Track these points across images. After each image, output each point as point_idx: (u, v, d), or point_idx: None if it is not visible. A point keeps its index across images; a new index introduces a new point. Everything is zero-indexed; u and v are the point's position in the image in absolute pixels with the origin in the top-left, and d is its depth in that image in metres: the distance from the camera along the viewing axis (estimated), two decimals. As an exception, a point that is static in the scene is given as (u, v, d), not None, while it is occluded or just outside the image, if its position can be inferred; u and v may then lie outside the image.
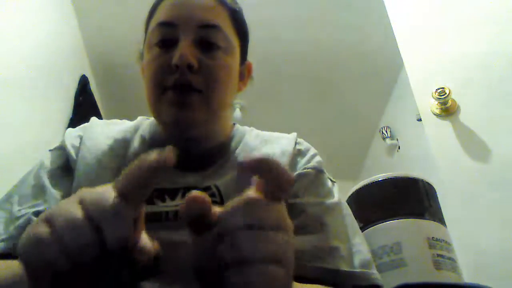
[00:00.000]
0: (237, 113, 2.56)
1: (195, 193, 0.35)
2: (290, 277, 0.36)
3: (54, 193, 0.63)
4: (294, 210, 0.62)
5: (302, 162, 0.69)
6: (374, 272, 0.60)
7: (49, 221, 0.34)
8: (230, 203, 0.37)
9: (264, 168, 0.36)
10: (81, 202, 0.35)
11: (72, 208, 0.34)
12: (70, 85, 2.11)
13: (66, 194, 0.63)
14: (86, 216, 0.34)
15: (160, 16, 0.69)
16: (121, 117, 0.82)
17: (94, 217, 0.33)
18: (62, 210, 0.34)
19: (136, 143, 0.72)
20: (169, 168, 0.35)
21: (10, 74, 1.52)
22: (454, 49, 1.51)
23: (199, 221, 0.36)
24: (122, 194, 0.35)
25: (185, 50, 0.64)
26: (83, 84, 2.20)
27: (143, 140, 0.72)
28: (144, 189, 0.36)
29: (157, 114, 0.68)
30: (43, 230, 0.33)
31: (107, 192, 0.35)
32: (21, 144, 1.50)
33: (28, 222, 0.58)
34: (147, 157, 0.35)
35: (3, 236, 0.58)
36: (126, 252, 0.36)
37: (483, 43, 1.48)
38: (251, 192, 0.37)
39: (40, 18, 1.84)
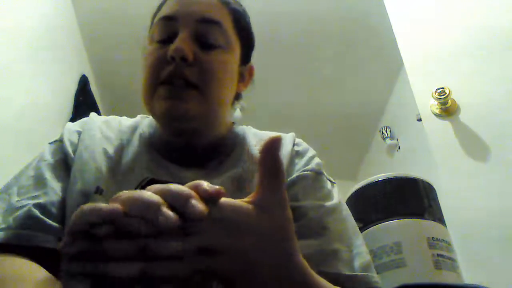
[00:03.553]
0: (237, 113, 2.56)
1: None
2: None
3: (55, 186, 0.63)
4: (294, 214, 0.62)
5: (300, 163, 0.69)
6: (374, 275, 0.60)
7: None
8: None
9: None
10: None
11: None
12: (70, 85, 2.11)
13: (66, 188, 0.63)
14: None
15: (163, 11, 0.71)
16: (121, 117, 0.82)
17: None
18: None
19: (135, 142, 0.72)
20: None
21: (9, 74, 1.52)
22: (454, 49, 1.51)
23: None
24: None
25: (181, 43, 0.64)
26: (83, 84, 2.20)
27: (142, 139, 0.72)
28: None
29: (150, 109, 0.68)
30: None
31: None
32: (21, 144, 1.50)
33: (29, 213, 0.58)
34: None
35: (2, 226, 0.57)
36: None
37: (483, 43, 1.48)
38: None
39: (39, 18, 1.84)
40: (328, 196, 0.67)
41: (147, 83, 0.67)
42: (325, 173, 0.71)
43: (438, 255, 0.86)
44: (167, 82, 0.65)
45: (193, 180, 0.66)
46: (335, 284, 0.56)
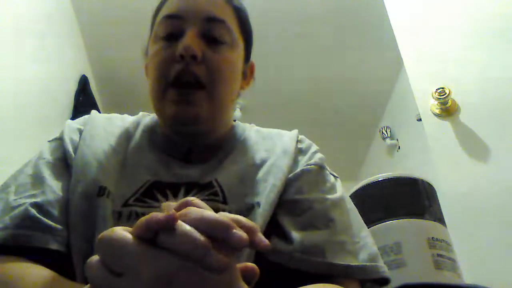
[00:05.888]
0: (237, 112, 2.56)
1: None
2: None
3: (53, 185, 0.62)
4: (299, 207, 0.62)
5: (303, 160, 0.69)
6: (382, 265, 0.60)
7: None
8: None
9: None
10: None
11: None
12: (70, 85, 2.11)
13: (65, 188, 0.62)
14: None
15: (167, 9, 0.70)
16: (121, 117, 0.82)
17: None
18: None
19: (137, 138, 0.72)
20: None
21: (9, 74, 1.52)
22: (454, 49, 1.51)
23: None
24: None
25: (190, 41, 0.65)
26: (83, 84, 2.20)
27: (144, 135, 0.73)
28: None
29: (159, 111, 0.69)
30: None
31: None
32: (21, 145, 1.50)
33: (26, 212, 0.57)
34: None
35: None
36: None
37: (483, 43, 1.48)
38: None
39: (39, 18, 1.84)
40: (332, 189, 0.67)
41: (156, 84, 0.67)
42: (327, 167, 0.71)
43: (438, 255, 0.86)
44: (177, 83, 0.65)
45: (195, 179, 0.66)
46: (343, 275, 0.57)
